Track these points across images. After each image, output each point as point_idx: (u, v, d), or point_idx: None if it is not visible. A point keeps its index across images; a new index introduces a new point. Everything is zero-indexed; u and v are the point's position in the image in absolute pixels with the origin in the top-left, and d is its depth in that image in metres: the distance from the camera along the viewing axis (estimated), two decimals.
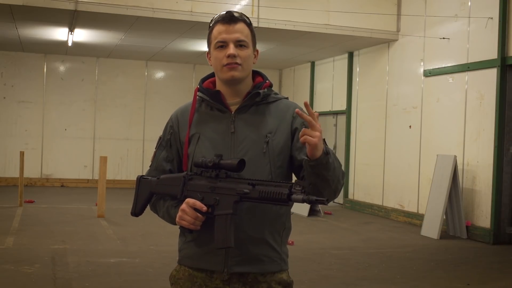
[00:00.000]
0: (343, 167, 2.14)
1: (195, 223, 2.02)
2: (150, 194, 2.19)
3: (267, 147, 2.10)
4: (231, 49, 2.09)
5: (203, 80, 2.25)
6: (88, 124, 14.92)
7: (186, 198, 2.06)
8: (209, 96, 2.18)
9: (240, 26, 2.13)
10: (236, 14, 2.14)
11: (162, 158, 2.23)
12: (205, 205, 2.02)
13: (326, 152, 1.93)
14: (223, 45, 2.12)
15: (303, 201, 1.85)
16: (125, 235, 8.33)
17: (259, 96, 2.15)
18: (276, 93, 2.24)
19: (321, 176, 1.96)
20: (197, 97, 2.22)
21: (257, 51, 2.22)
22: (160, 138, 2.27)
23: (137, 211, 2.22)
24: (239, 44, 2.12)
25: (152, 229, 8.73)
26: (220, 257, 2.08)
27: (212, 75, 2.25)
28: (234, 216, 2.00)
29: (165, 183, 2.14)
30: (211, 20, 2.20)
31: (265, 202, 1.94)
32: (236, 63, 2.10)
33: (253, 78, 2.23)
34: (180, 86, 15.36)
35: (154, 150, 2.27)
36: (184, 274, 2.16)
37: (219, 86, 2.20)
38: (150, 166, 2.26)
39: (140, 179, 2.21)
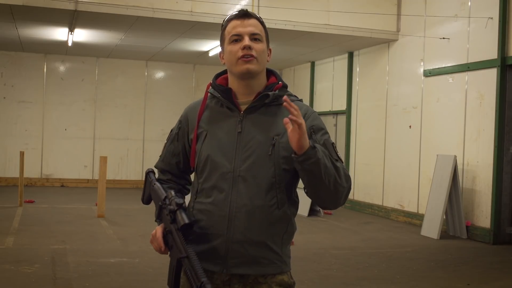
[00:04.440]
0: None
1: (160, 250, 2.13)
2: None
3: (273, 149, 2.06)
4: (246, 41, 2.10)
5: (217, 76, 2.25)
6: (88, 124, 14.92)
7: (161, 222, 2.16)
8: (220, 93, 2.18)
9: (254, 21, 2.15)
10: (249, 11, 2.17)
11: (169, 151, 2.30)
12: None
13: (313, 146, 1.91)
14: (238, 38, 2.12)
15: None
16: (125, 235, 8.33)
17: (269, 98, 2.12)
18: (291, 95, 2.20)
19: (312, 173, 1.93)
20: (209, 93, 2.22)
21: (270, 49, 2.22)
22: (171, 130, 2.33)
23: (144, 201, 2.37)
24: (254, 37, 2.13)
25: (152, 229, 8.66)
26: (219, 258, 2.08)
27: (225, 71, 2.24)
28: (178, 269, 2.02)
29: (154, 194, 2.24)
30: (224, 20, 2.21)
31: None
32: (252, 55, 2.10)
33: (268, 78, 2.22)
34: (180, 86, 15.36)
35: (165, 142, 2.35)
36: None
37: (231, 82, 2.19)
38: (160, 156, 2.35)
39: (146, 175, 2.32)
